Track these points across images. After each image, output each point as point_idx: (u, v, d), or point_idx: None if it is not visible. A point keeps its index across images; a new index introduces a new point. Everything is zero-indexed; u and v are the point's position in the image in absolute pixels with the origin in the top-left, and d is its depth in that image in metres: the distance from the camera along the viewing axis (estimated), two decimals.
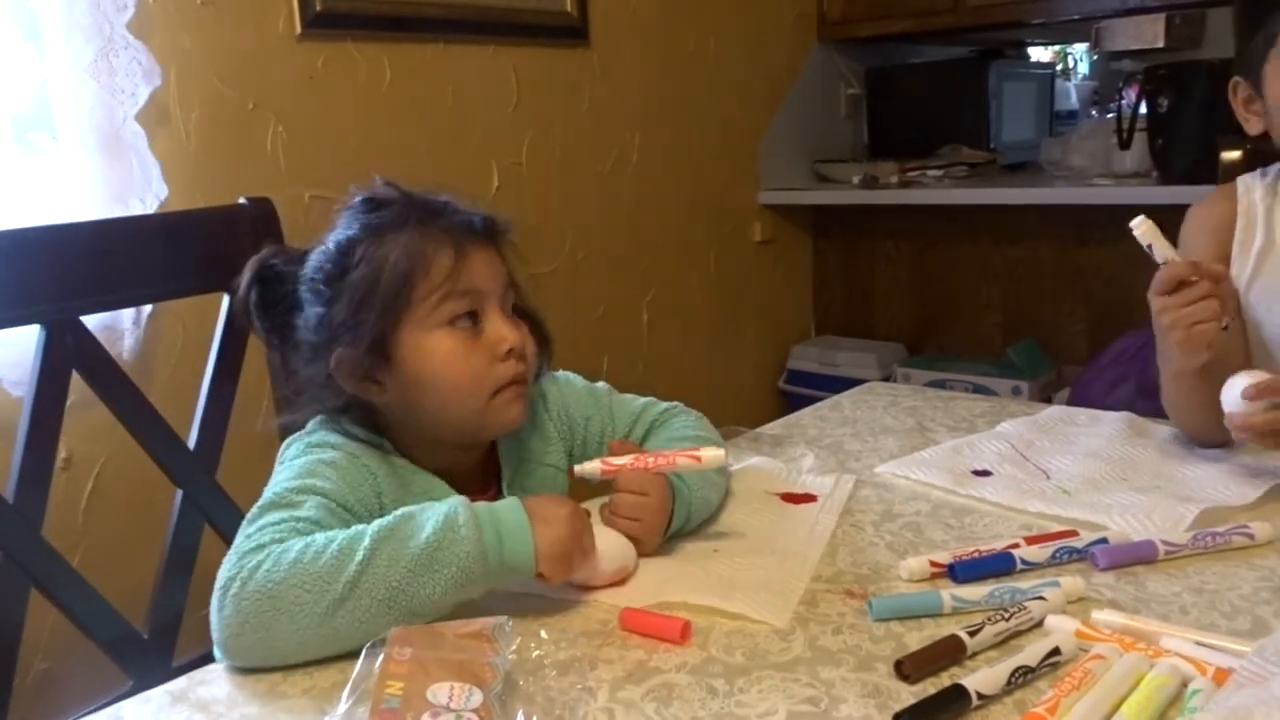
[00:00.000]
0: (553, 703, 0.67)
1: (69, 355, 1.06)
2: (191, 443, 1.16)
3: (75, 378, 1.07)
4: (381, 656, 0.65)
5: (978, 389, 2.56)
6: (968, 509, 0.99)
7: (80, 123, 1.59)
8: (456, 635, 0.69)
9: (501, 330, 0.89)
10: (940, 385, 2.64)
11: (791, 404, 2.62)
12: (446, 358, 0.87)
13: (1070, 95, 3.61)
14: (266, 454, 0.94)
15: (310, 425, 0.92)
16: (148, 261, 1.14)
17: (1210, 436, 1.09)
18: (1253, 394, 0.93)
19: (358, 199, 0.92)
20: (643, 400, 1.11)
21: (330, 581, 0.72)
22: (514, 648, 0.70)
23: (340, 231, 0.90)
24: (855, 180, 2.93)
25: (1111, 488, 1.02)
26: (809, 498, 1.02)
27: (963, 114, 3.04)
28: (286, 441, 0.91)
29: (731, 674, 0.71)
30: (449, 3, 2.15)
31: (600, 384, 1.10)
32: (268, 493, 0.83)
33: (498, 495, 0.95)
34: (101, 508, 1.67)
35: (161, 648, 1.13)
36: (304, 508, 0.80)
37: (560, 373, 1.08)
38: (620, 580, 0.84)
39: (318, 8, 1.92)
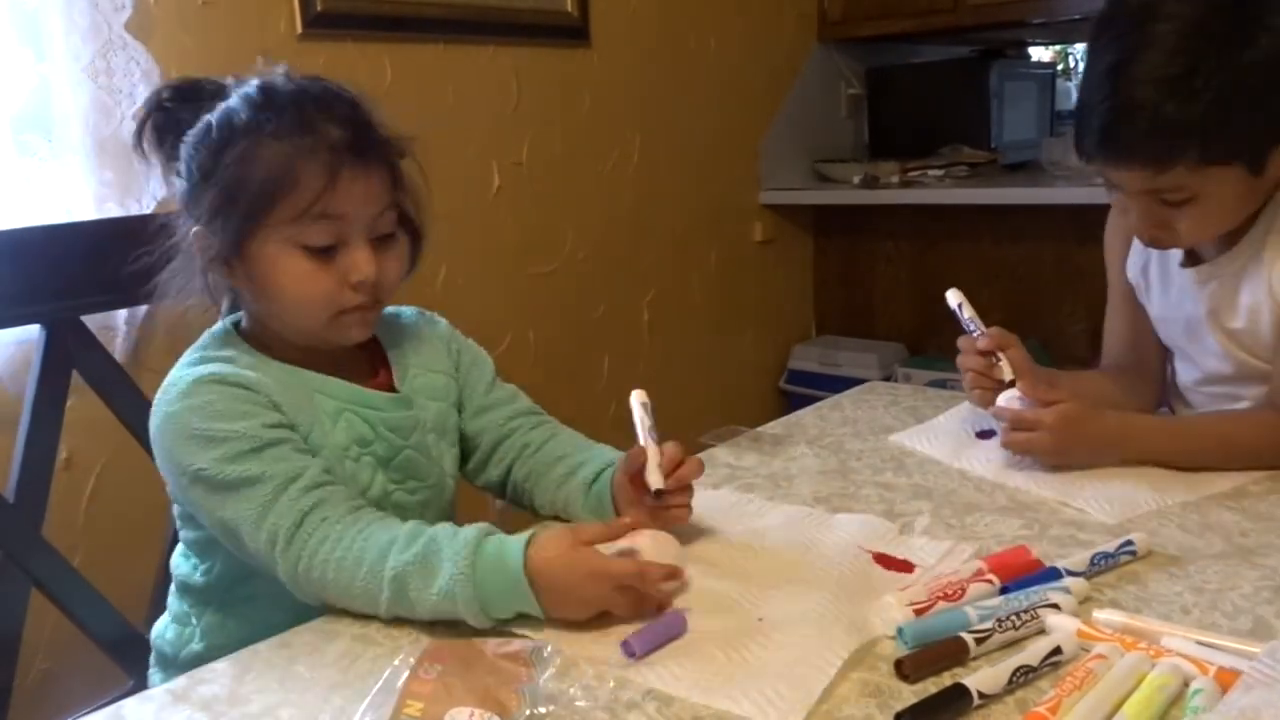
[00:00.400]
0: None
1: (69, 355, 1.06)
2: None
3: (75, 377, 1.07)
4: (406, 674, 0.64)
5: None
6: (970, 507, 0.99)
7: (78, 123, 1.59)
8: (494, 654, 0.68)
9: (358, 260, 0.88)
10: (941, 385, 2.63)
11: (792, 404, 2.61)
12: (294, 275, 0.87)
13: (1071, 95, 3.60)
14: None
15: (173, 374, 0.91)
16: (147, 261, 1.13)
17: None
18: (995, 414, 1.10)
19: (254, 84, 0.89)
20: (514, 388, 1.09)
21: (372, 599, 0.80)
22: (549, 674, 0.67)
23: (226, 114, 0.87)
24: (856, 180, 2.93)
25: (1095, 467, 1.06)
26: (907, 566, 0.86)
27: (963, 114, 3.04)
28: (160, 396, 0.89)
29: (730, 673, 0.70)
30: (449, 3, 2.15)
31: (485, 352, 1.09)
32: (200, 470, 0.83)
33: (388, 384, 0.97)
34: (102, 508, 1.67)
35: None
36: (264, 479, 0.83)
37: (440, 318, 1.08)
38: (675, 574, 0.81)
39: (318, 8, 1.92)
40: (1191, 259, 1.15)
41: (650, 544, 0.82)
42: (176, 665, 0.94)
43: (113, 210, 1.62)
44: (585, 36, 2.44)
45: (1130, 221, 1.09)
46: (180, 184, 0.90)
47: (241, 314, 0.96)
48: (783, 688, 0.68)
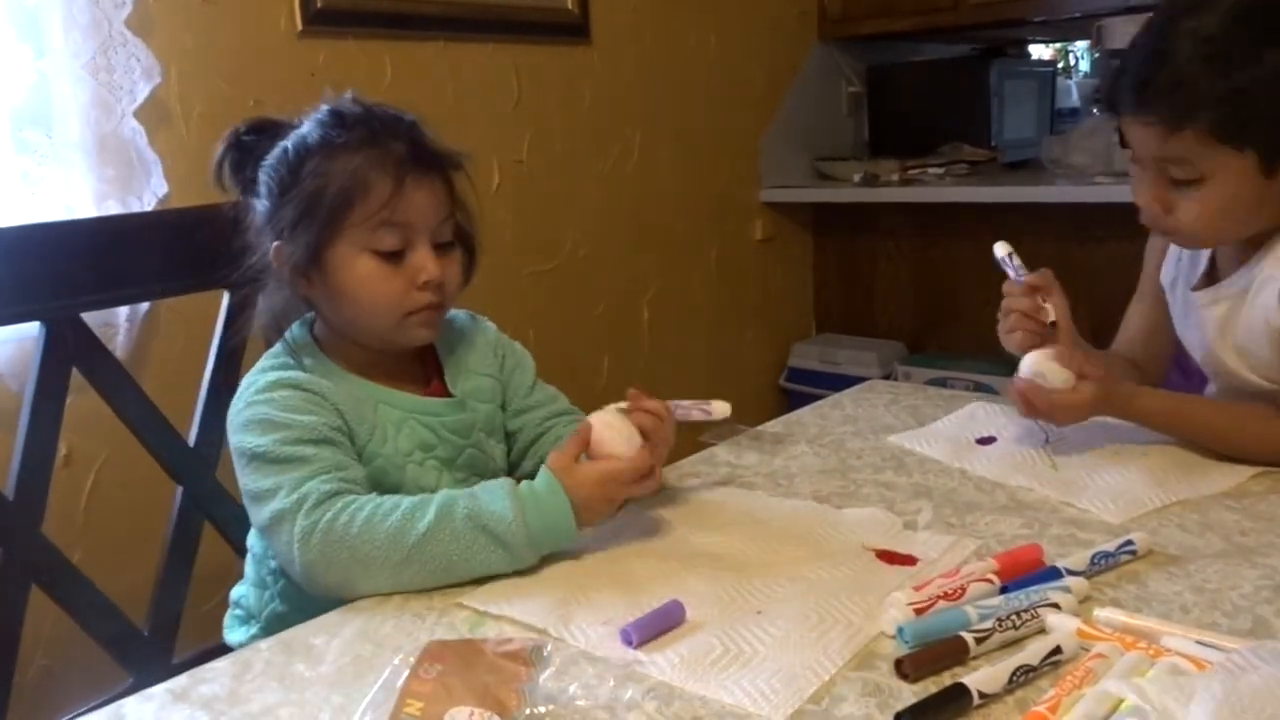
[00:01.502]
0: None
1: (69, 352, 1.06)
2: (191, 439, 1.16)
3: (75, 374, 1.07)
4: (406, 674, 0.64)
5: (979, 387, 2.57)
6: (970, 506, 0.99)
7: (79, 120, 1.59)
8: (494, 653, 0.68)
9: (424, 261, 0.95)
10: (941, 383, 2.64)
11: (792, 402, 2.61)
12: (367, 278, 0.95)
13: (1071, 93, 3.60)
14: None
15: (251, 376, 0.98)
16: (148, 258, 1.14)
17: None
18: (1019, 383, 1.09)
19: (325, 109, 0.98)
20: (555, 390, 1.17)
21: (397, 543, 0.84)
22: (549, 673, 0.68)
23: (301, 137, 0.96)
24: (856, 178, 2.93)
25: (1099, 464, 1.07)
26: (909, 560, 0.87)
27: (964, 112, 3.04)
28: (239, 394, 0.96)
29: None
30: (450, 0, 2.15)
31: (529, 354, 1.16)
32: (259, 447, 0.90)
33: (442, 389, 1.04)
34: (102, 505, 1.67)
35: (162, 645, 1.13)
36: (312, 458, 0.89)
37: (489, 321, 1.15)
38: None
39: (318, 5, 1.92)
40: (1201, 282, 1.16)
41: (608, 432, 0.92)
42: (260, 622, 1.02)
43: (113, 207, 1.62)
44: (586, 34, 2.44)
45: (1137, 197, 1.09)
46: (259, 205, 0.98)
47: (315, 321, 1.03)
48: (777, 683, 0.68)
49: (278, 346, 0.99)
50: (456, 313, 1.11)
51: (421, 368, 1.05)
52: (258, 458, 0.90)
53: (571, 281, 2.49)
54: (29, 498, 1.03)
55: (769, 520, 0.97)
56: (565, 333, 2.45)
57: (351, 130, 0.95)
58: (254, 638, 1.00)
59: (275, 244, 0.96)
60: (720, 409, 0.99)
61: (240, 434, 0.92)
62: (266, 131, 1.00)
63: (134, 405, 1.12)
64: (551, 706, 0.65)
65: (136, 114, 1.64)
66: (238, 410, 0.94)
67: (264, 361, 0.99)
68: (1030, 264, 1.18)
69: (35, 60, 1.59)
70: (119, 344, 1.63)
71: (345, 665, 0.74)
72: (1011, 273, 1.15)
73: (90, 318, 1.10)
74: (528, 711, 0.63)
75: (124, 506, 1.65)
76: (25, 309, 1.04)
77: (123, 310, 1.62)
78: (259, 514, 0.90)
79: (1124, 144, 1.09)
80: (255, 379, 0.96)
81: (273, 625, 0.95)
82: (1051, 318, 1.11)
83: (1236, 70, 0.96)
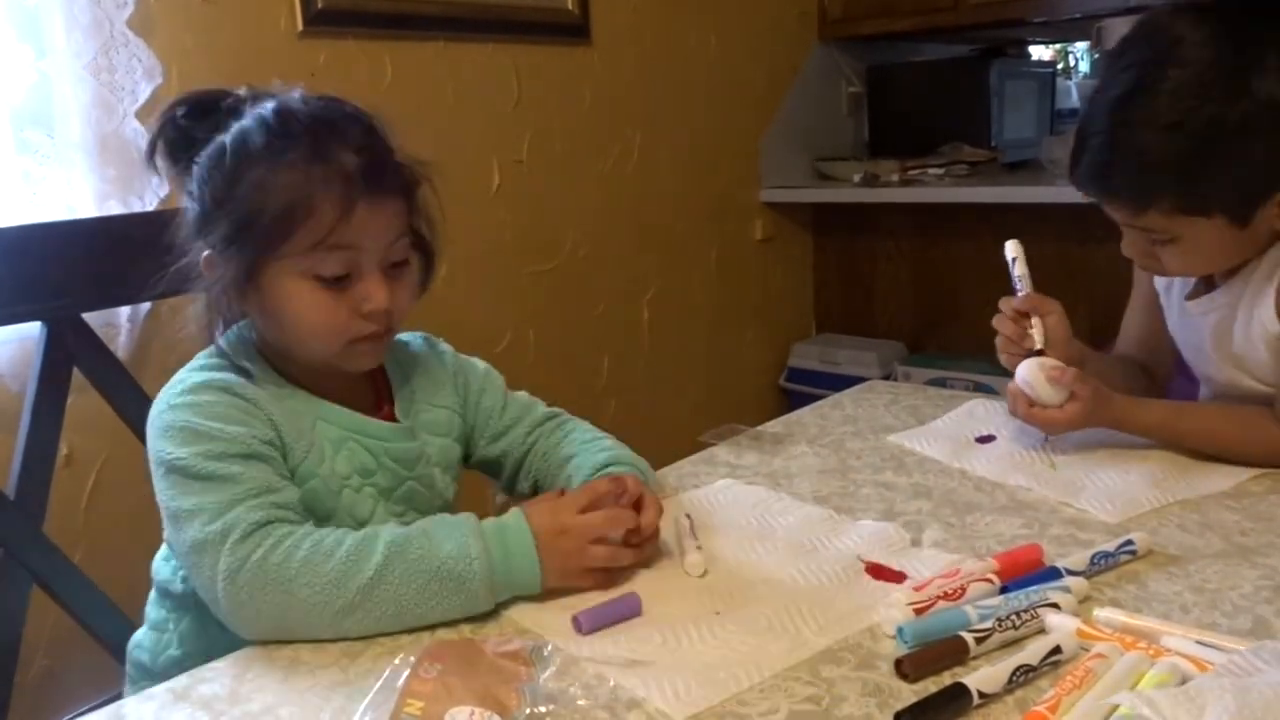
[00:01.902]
0: None
1: (70, 352, 1.06)
2: None
3: (76, 374, 1.07)
4: (407, 673, 0.64)
5: (979, 387, 2.56)
6: (969, 506, 0.99)
7: (80, 120, 1.59)
8: (494, 654, 0.68)
9: (371, 290, 0.87)
10: (941, 383, 2.64)
11: (792, 402, 2.62)
12: (306, 305, 0.86)
13: (1071, 94, 3.60)
14: None
15: (179, 375, 0.90)
16: (149, 259, 1.13)
17: None
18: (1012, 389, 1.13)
19: (269, 107, 0.87)
20: (527, 397, 1.09)
21: (341, 587, 0.76)
22: (549, 673, 0.68)
23: (241, 138, 0.86)
24: (856, 178, 2.93)
25: (1099, 464, 1.07)
26: (898, 576, 0.85)
27: (964, 112, 3.04)
28: (162, 394, 0.88)
29: (735, 673, 0.70)
30: (450, 1, 2.15)
31: (491, 369, 1.08)
32: (178, 459, 0.81)
33: (391, 415, 0.96)
34: (103, 504, 1.67)
35: None
36: (238, 478, 0.81)
37: (446, 345, 1.07)
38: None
39: (319, 5, 1.92)
40: (1196, 291, 1.16)
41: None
42: (153, 675, 0.93)
43: (114, 207, 1.62)
44: (586, 34, 2.44)
45: (1124, 249, 1.12)
46: (191, 206, 0.89)
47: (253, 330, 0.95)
48: (694, 684, 0.69)
49: (212, 347, 0.91)
50: (412, 337, 1.05)
51: (371, 389, 0.97)
52: (176, 470, 0.81)
53: (571, 281, 2.49)
54: (30, 498, 1.03)
55: (778, 524, 0.97)
56: (565, 333, 2.45)
57: (298, 141, 0.85)
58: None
59: (206, 254, 0.88)
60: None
61: (159, 440, 0.84)
62: (206, 113, 0.89)
63: (135, 405, 1.12)
64: (552, 706, 0.65)
65: (138, 114, 1.64)
66: (159, 412, 0.86)
67: (195, 362, 0.91)
68: (1030, 264, 1.19)
69: (36, 60, 1.59)
70: (120, 344, 1.63)
71: (346, 665, 0.74)
72: (1014, 282, 1.16)
73: (91, 318, 1.10)
74: (528, 711, 0.63)
75: (125, 507, 1.65)
76: (26, 309, 1.04)
77: (124, 310, 1.62)
78: (177, 536, 0.81)
79: None
80: (183, 378, 0.88)
81: (168, 675, 0.78)
82: (1038, 344, 1.12)
83: (1188, 140, 0.96)
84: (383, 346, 0.92)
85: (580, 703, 0.67)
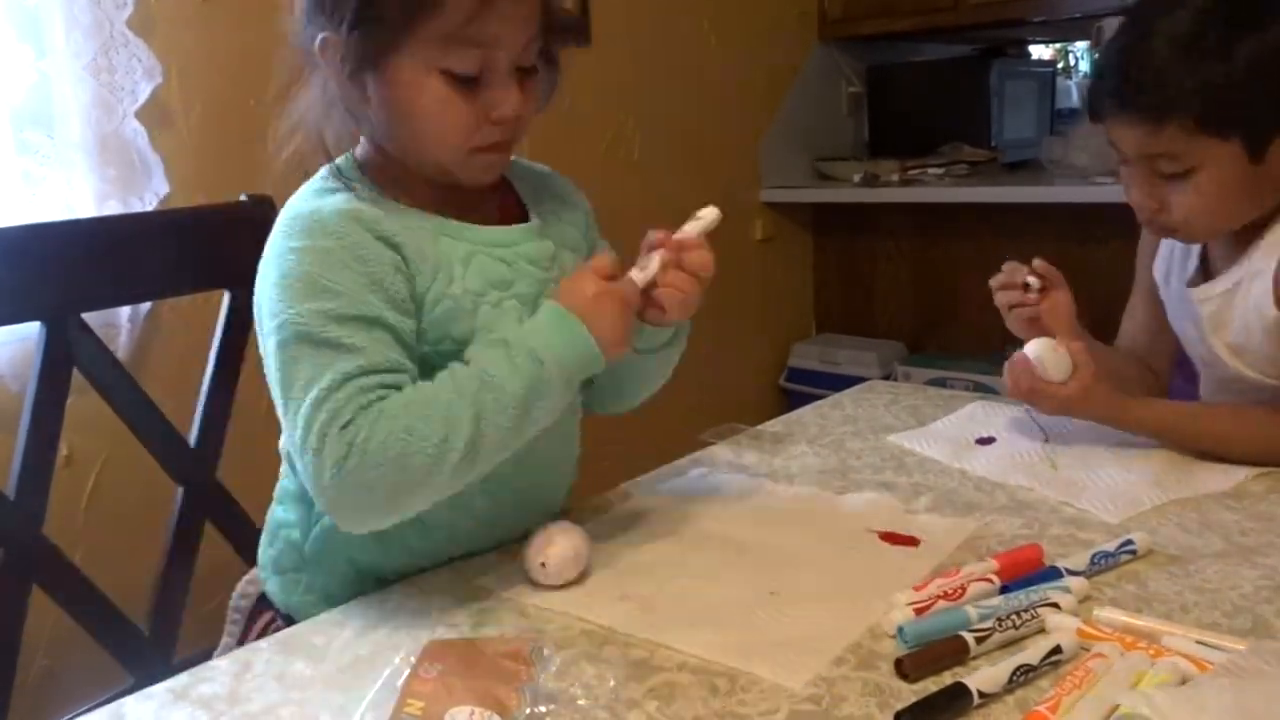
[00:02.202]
0: None
1: (70, 352, 1.06)
2: (192, 440, 1.16)
3: (76, 374, 1.07)
4: (407, 673, 0.64)
5: (979, 387, 2.56)
6: (970, 506, 0.99)
7: (80, 120, 1.59)
8: (495, 654, 0.68)
9: (503, 94, 0.82)
10: (941, 383, 2.64)
11: (792, 402, 2.61)
12: (433, 102, 0.81)
13: (1071, 93, 3.60)
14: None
15: (293, 206, 0.84)
16: (149, 259, 1.14)
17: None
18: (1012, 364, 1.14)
19: None
20: None
21: (449, 445, 0.75)
22: (549, 672, 0.68)
23: None
24: (856, 178, 2.93)
25: (1099, 464, 1.07)
26: (911, 540, 0.90)
27: (964, 112, 3.04)
28: (280, 228, 0.83)
29: (733, 672, 0.70)
30: None
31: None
32: (298, 320, 0.77)
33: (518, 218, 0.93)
34: (102, 505, 1.67)
35: (163, 645, 1.13)
36: (350, 348, 0.77)
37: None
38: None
39: None
40: (1195, 278, 1.16)
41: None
42: (307, 563, 0.91)
43: (114, 207, 1.62)
44: (586, 35, 2.44)
45: (1129, 197, 1.11)
46: None
47: (362, 149, 0.89)
48: (792, 655, 0.72)
49: (323, 171, 0.85)
50: (540, 165, 1.01)
51: (495, 205, 0.92)
52: (294, 331, 0.77)
53: None
54: (30, 498, 1.03)
55: (773, 506, 1.00)
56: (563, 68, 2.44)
57: None
58: (302, 594, 0.90)
59: (323, 35, 0.81)
60: (709, 214, 0.93)
61: (276, 291, 0.79)
62: None
63: (135, 405, 1.12)
64: (552, 706, 0.65)
65: (138, 114, 1.64)
66: (277, 254, 0.80)
67: (309, 186, 0.85)
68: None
69: (36, 61, 1.59)
70: (120, 344, 1.63)
71: (346, 665, 0.74)
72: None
73: (92, 318, 1.10)
74: (528, 711, 0.63)
75: (124, 507, 1.65)
76: (26, 309, 1.04)
77: (124, 310, 1.63)
78: (288, 405, 0.77)
79: (1118, 159, 1.10)
80: (300, 210, 0.82)
81: (324, 558, 0.85)
82: (1033, 281, 1.15)
83: (1212, 63, 0.98)
84: (505, 159, 0.88)
85: (580, 703, 0.67)
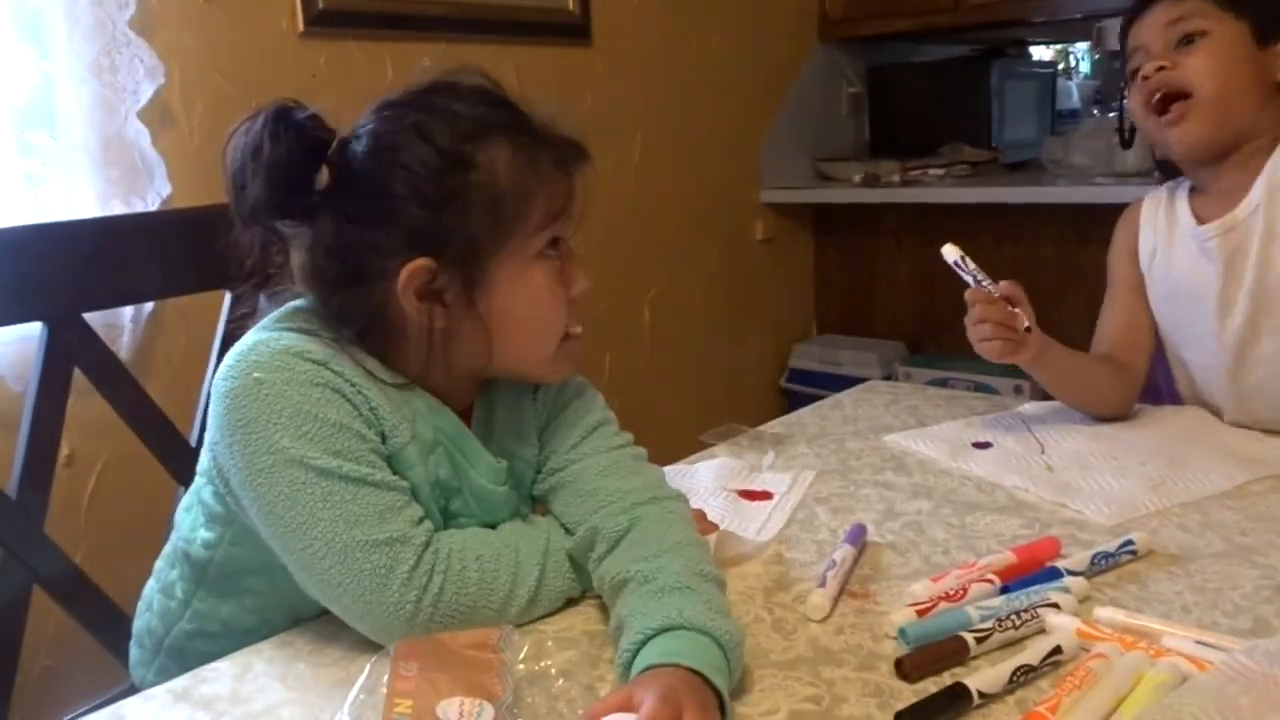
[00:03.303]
0: (562, 716, 0.66)
1: (71, 352, 1.06)
2: (193, 440, 1.16)
3: (77, 374, 1.07)
4: (387, 674, 0.64)
5: (979, 387, 2.56)
6: (970, 507, 0.99)
7: (82, 121, 1.59)
8: (462, 646, 0.68)
9: (575, 268, 0.80)
10: (942, 384, 2.64)
11: (793, 402, 2.62)
12: (538, 292, 0.78)
13: (1072, 94, 3.60)
14: None
15: (262, 335, 0.76)
16: (151, 259, 1.14)
17: (1092, 412, 1.24)
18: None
19: (446, 82, 0.80)
20: (644, 474, 0.86)
21: (511, 597, 0.75)
22: (521, 657, 0.69)
23: (430, 120, 0.77)
24: (857, 179, 2.93)
25: (1095, 468, 1.07)
26: (765, 495, 1.03)
27: (964, 113, 3.04)
28: (236, 354, 0.75)
29: None
30: (451, 1, 2.15)
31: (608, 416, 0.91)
32: (310, 458, 0.71)
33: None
34: (104, 505, 1.67)
35: None
36: (399, 489, 0.74)
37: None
38: None
39: (320, 6, 1.92)
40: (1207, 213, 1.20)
41: None
42: (161, 649, 0.87)
43: (117, 208, 1.63)
44: (586, 35, 2.44)
45: (1145, 73, 1.17)
46: (381, 219, 0.76)
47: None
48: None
49: (292, 308, 0.79)
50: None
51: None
52: (305, 470, 0.71)
53: None
54: (31, 498, 1.03)
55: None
56: None
57: (498, 108, 0.78)
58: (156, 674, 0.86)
59: (413, 262, 0.74)
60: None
61: (270, 430, 0.71)
62: (316, 125, 0.81)
63: (136, 406, 1.12)
64: (534, 688, 0.66)
65: (140, 115, 1.64)
66: (247, 387, 0.72)
67: (277, 324, 0.78)
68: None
69: (39, 61, 1.59)
70: (123, 344, 1.63)
71: (347, 665, 0.74)
72: (969, 278, 1.15)
73: (94, 318, 1.10)
74: (514, 694, 0.64)
75: (126, 507, 1.65)
76: (28, 309, 1.04)
77: (127, 311, 1.63)
78: (300, 549, 0.71)
79: (1130, 73, 1.20)
80: (265, 340, 0.74)
81: (182, 649, 0.82)
82: (1026, 324, 1.12)
83: None
84: (581, 348, 0.84)
85: (559, 683, 0.68)
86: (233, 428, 0.73)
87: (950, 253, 1.16)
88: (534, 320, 0.79)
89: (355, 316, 0.78)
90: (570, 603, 0.81)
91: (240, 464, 0.73)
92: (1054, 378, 1.21)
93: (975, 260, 1.14)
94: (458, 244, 0.75)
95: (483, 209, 0.75)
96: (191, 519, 0.85)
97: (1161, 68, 1.14)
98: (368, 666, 0.66)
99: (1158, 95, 1.16)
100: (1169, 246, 1.23)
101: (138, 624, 0.92)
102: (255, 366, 0.73)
